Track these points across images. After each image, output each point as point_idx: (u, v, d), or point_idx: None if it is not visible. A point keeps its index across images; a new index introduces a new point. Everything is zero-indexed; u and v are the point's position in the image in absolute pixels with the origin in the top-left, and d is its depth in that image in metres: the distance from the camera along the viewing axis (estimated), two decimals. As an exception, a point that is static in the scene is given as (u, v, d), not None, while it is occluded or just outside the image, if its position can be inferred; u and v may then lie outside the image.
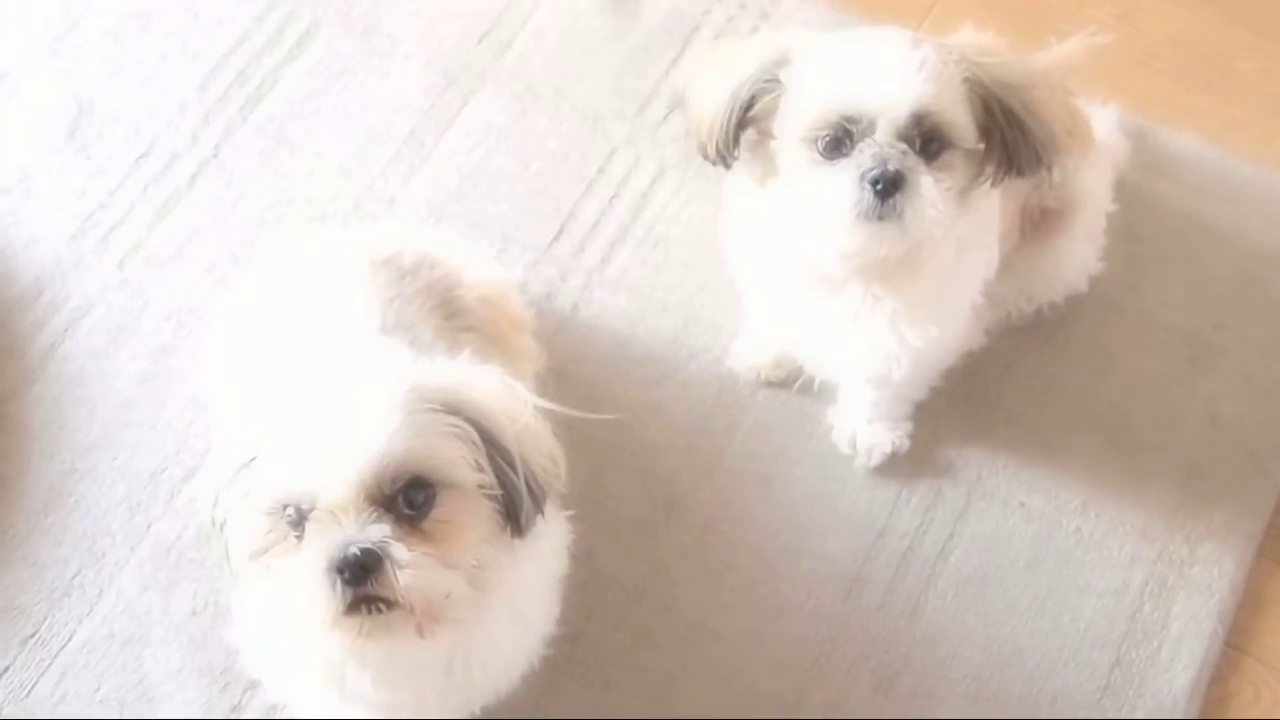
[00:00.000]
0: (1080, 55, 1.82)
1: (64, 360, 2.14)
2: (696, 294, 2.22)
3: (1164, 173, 2.31)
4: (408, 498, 1.38)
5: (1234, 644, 2.02)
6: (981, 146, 1.70)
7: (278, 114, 2.35)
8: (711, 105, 1.72)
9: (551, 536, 1.61)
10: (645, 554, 2.03)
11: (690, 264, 2.24)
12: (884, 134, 1.64)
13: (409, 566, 1.35)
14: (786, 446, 2.12)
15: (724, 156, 1.74)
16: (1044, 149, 1.70)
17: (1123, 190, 2.18)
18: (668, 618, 2.00)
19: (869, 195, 1.64)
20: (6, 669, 1.95)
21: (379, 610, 1.38)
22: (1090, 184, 2.02)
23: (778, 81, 1.69)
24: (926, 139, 1.65)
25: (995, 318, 2.09)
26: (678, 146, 2.31)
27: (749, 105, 1.70)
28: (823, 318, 1.85)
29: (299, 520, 1.38)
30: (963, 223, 1.74)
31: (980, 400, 2.15)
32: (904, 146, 1.64)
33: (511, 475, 1.43)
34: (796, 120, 1.68)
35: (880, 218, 1.65)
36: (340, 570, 1.35)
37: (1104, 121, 2.17)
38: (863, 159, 1.64)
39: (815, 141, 1.67)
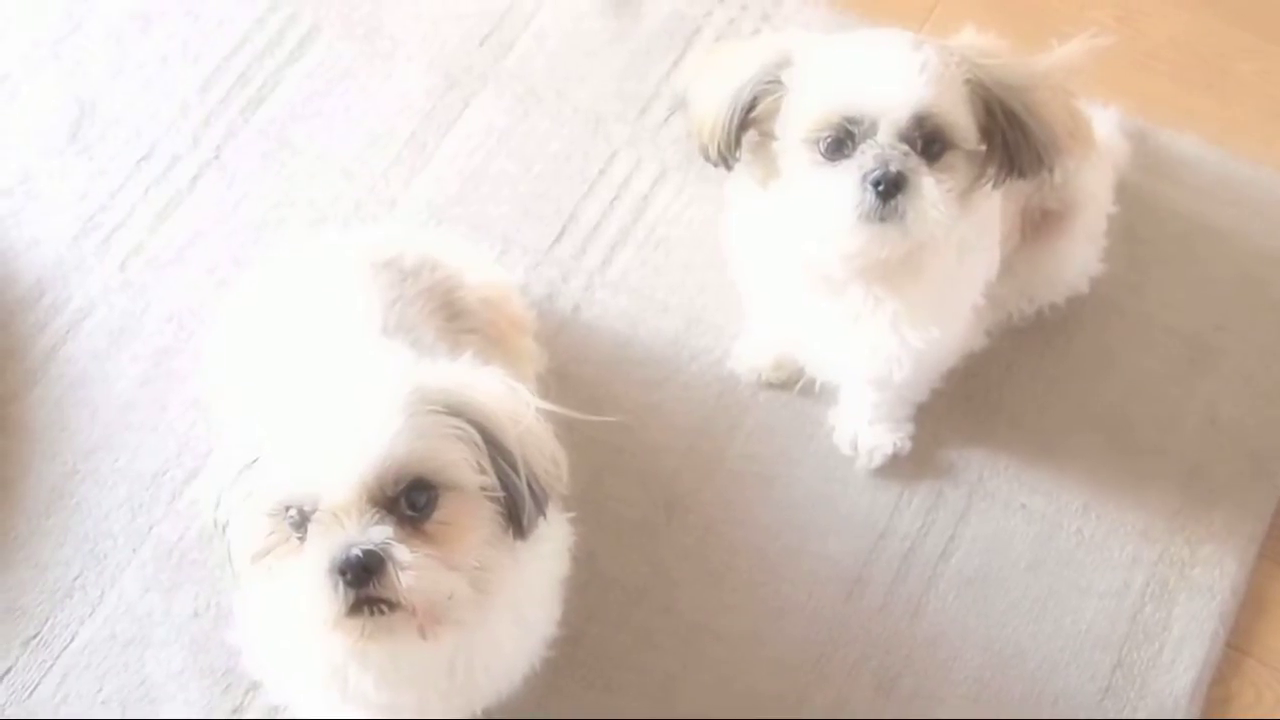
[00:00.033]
0: (1081, 57, 1.83)
1: (65, 362, 2.15)
2: (698, 295, 2.22)
3: (1165, 174, 2.31)
4: (410, 499, 1.38)
5: (1235, 645, 2.02)
6: (983, 148, 1.70)
7: (279, 116, 2.35)
8: (713, 107, 1.72)
9: (553, 538, 1.61)
10: (646, 555, 2.03)
11: (691, 265, 2.24)
12: (886, 135, 1.64)
13: (411, 568, 1.35)
14: (788, 448, 2.12)
15: (725, 158, 1.74)
16: (1045, 150, 1.70)
17: (1124, 192, 2.18)
18: (669, 619, 2.00)
19: (870, 196, 1.64)
20: (9, 670, 1.95)
21: (381, 612, 1.38)
22: (1091, 186, 2.02)
23: (779, 83, 1.69)
24: (928, 140, 1.65)
25: (996, 319, 2.09)
26: (679, 148, 2.31)
27: (750, 107, 1.71)
28: (824, 319, 1.85)
29: (301, 522, 1.38)
30: (964, 224, 1.74)
31: (981, 401, 2.15)
32: (906, 148, 1.64)
33: (513, 477, 1.43)
34: (798, 121, 1.68)
35: (882, 219, 1.65)
36: (342, 572, 1.35)
37: (1105, 123, 2.17)
38: (864, 160, 1.64)
39: (817, 143, 1.67)
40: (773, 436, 2.13)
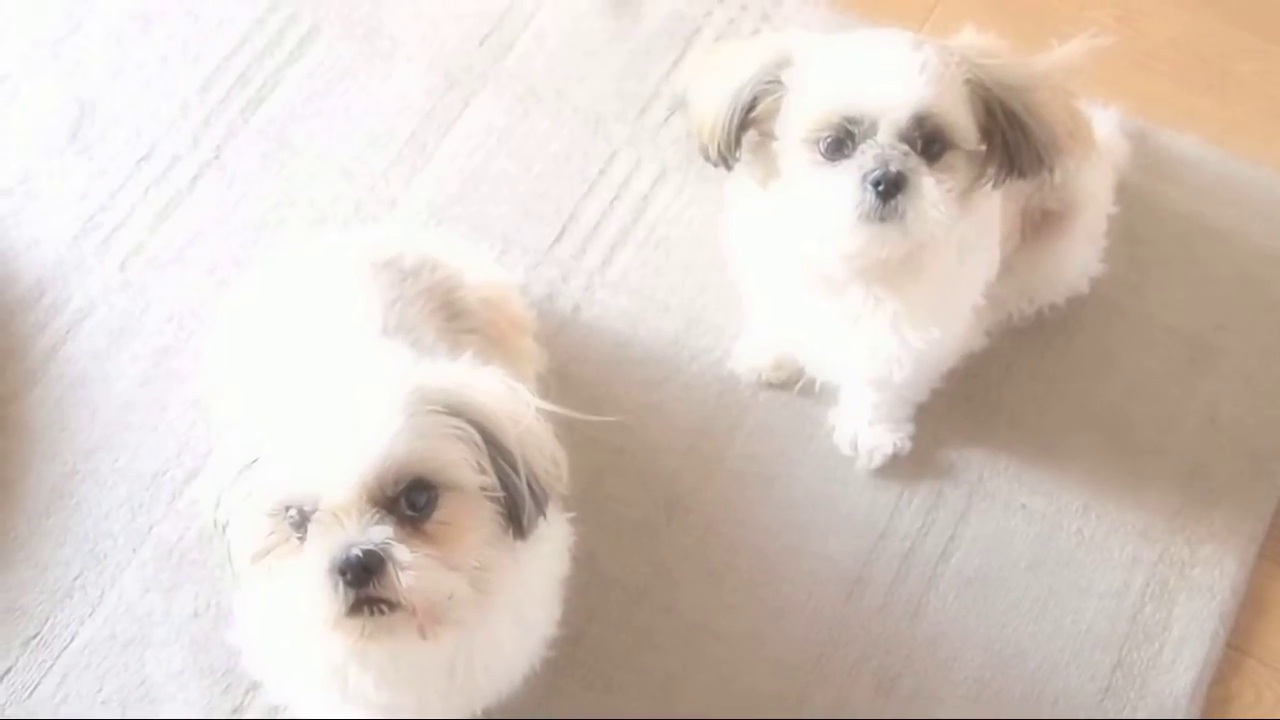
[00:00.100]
0: (1081, 57, 1.83)
1: (65, 362, 2.15)
2: (698, 295, 2.22)
3: (1165, 175, 2.31)
4: (410, 499, 1.38)
5: (1235, 645, 2.02)
6: (983, 148, 1.70)
7: (279, 116, 2.35)
8: (713, 107, 1.72)
9: (553, 538, 1.61)
10: (647, 555, 2.03)
11: (691, 265, 2.24)
12: (886, 135, 1.64)
13: (411, 568, 1.35)
14: (788, 448, 2.12)
15: (725, 158, 1.74)
16: (1045, 151, 1.70)
17: (1124, 192, 2.18)
18: (669, 619, 2.00)
19: (871, 196, 1.64)
20: (9, 670, 1.95)
21: (381, 612, 1.38)
22: (1091, 186, 2.02)
23: (779, 83, 1.69)
24: (928, 140, 1.65)
25: (996, 319, 2.09)
26: (679, 148, 2.31)
27: (750, 107, 1.71)
28: (824, 319, 1.85)
29: (301, 522, 1.38)
30: (964, 224, 1.74)
31: (981, 402, 2.15)
32: (906, 148, 1.64)
33: (513, 477, 1.43)
34: (798, 121, 1.68)
35: (882, 219, 1.65)
36: (342, 572, 1.35)
37: (1105, 123, 2.17)
38: (864, 160, 1.64)
39: (817, 143, 1.67)
40: (773, 436, 2.13)
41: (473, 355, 1.59)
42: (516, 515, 1.45)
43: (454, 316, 1.75)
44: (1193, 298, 2.22)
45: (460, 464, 1.41)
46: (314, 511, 1.37)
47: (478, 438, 1.42)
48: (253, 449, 1.42)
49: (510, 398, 1.48)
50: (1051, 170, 1.75)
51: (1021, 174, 1.72)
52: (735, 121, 1.71)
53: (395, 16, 2.45)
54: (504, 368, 1.57)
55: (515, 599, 1.55)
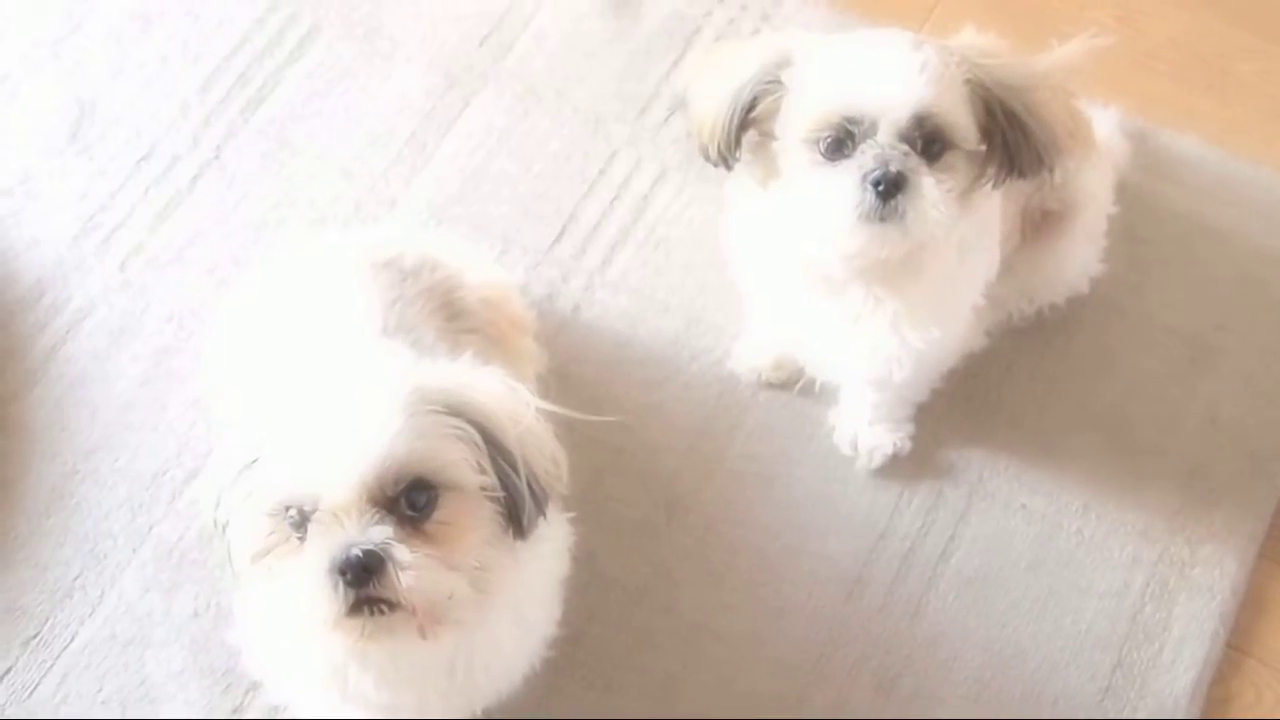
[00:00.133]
0: (1081, 57, 1.83)
1: (65, 362, 2.15)
2: (698, 295, 2.22)
3: (1165, 175, 2.31)
4: (410, 499, 1.38)
5: (1235, 645, 2.02)
6: (983, 148, 1.70)
7: (279, 116, 2.35)
8: (713, 107, 1.72)
9: (553, 538, 1.61)
10: (646, 555, 2.03)
11: (691, 265, 2.24)
12: (886, 135, 1.64)
13: (411, 568, 1.35)
14: (788, 448, 2.12)
15: (725, 158, 1.74)
16: (1045, 151, 1.70)
17: (1124, 192, 2.18)
18: (669, 619, 2.00)
19: (871, 196, 1.64)
20: (9, 670, 1.95)
21: (381, 612, 1.38)
22: (1091, 186, 2.02)
23: (779, 83, 1.69)
24: (928, 140, 1.65)
25: (996, 319, 2.09)
26: (679, 148, 2.31)
27: (750, 107, 1.71)
28: (824, 319, 1.85)
29: (301, 522, 1.38)
30: (964, 224, 1.74)
31: (981, 402, 2.15)
32: (906, 148, 1.64)
33: (513, 477, 1.43)
34: (798, 121, 1.68)
35: (882, 219, 1.65)
36: (342, 572, 1.35)
37: (1105, 123, 2.17)
38: (864, 160, 1.64)
39: (817, 143, 1.67)
40: (773, 436, 2.13)
41: (473, 355, 1.59)
42: (516, 515, 1.45)
43: (454, 316, 1.75)
44: (1193, 298, 2.22)
45: (460, 464, 1.41)
46: (314, 511, 1.37)
47: (478, 438, 1.42)
48: (253, 449, 1.42)
49: (510, 398, 1.48)
50: (1051, 170, 1.75)
51: (1021, 174, 1.72)
52: (735, 121, 1.71)
53: (395, 16, 2.45)
54: (504, 368, 1.57)
55: (515, 599, 1.55)
